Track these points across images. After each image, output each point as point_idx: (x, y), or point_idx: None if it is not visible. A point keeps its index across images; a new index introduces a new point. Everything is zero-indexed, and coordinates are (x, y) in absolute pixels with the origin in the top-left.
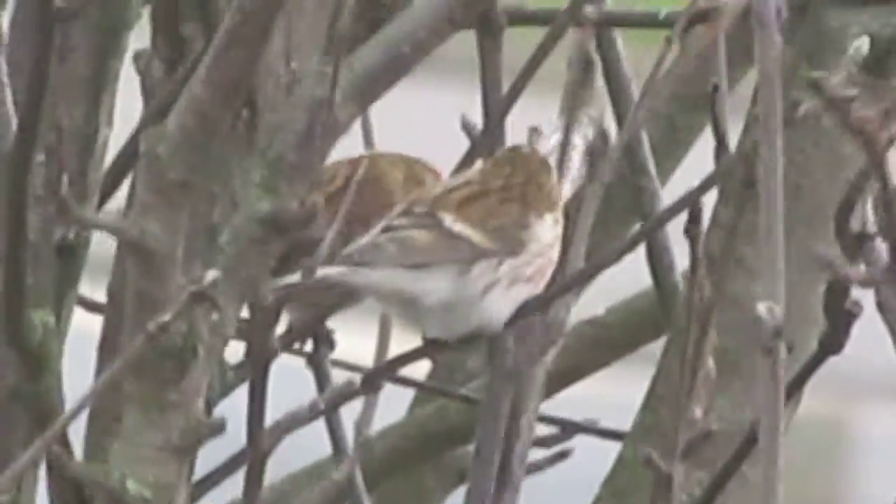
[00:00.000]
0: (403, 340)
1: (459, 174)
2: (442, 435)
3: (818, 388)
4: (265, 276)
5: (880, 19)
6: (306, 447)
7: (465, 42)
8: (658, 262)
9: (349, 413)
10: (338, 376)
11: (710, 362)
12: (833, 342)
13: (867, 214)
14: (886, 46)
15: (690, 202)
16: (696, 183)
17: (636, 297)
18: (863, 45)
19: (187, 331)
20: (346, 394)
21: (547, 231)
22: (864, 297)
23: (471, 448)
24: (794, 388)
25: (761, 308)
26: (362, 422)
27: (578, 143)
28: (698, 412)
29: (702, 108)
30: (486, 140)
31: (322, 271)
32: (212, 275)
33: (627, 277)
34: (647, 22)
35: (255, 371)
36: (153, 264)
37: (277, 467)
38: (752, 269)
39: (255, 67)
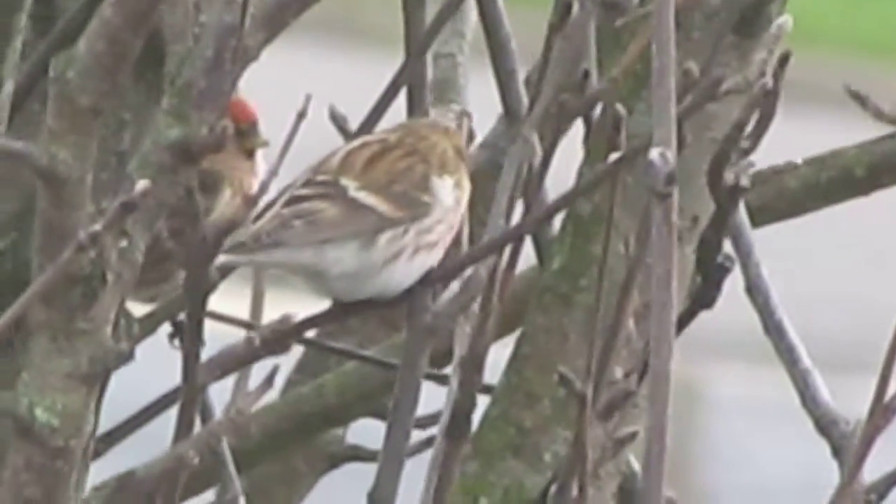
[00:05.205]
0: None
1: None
2: (318, 416)
3: None
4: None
5: None
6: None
7: None
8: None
9: (219, 395)
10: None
11: (631, 323)
12: (706, 296)
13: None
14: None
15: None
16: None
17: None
18: (787, 22)
19: (96, 257)
20: (281, 330)
21: (448, 194)
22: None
23: (341, 432)
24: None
25: (654, 154)
26: (233, 403)
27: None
28: (619, 372)
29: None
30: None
31: (225, 257)
32: (142, 185)
33: None
34: None
35: (192, 303)
36: (63, 192)
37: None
38: None
39: None
